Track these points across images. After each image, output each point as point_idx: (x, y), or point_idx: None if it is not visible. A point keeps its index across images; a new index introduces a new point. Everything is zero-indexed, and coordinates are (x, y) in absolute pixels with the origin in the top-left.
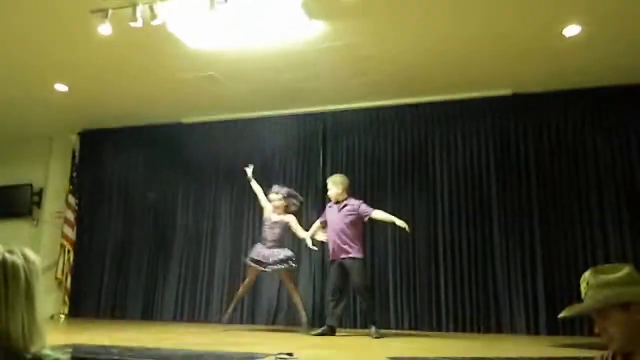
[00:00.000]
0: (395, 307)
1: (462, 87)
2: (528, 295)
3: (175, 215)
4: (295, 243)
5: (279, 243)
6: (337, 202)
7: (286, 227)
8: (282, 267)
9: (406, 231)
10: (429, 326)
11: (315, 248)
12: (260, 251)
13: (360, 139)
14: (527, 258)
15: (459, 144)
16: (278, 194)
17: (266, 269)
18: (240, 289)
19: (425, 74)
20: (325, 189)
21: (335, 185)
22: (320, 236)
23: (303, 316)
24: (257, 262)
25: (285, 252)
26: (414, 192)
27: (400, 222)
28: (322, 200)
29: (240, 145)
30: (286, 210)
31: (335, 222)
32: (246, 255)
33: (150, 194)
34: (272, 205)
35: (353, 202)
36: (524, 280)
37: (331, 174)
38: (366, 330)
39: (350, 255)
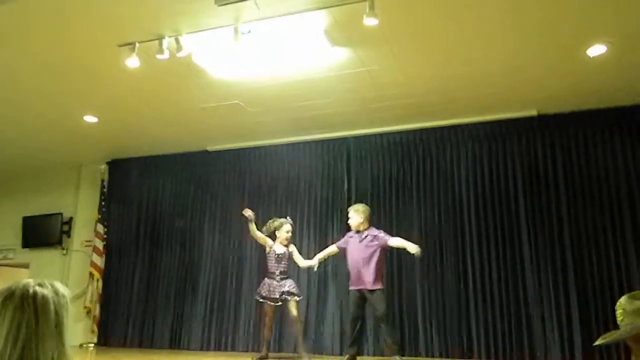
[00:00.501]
0: (425, 334)
1: (487, 110)
2: (562, 320)
3: (202, 243)
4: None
5: (287, 274)
6: (358, 232)
7: (290, 257)
8: (290, 298)
9: (418, 255)
10: (459, 353)
11: (315, 268)
12: (269, 286)
13: (385, 163)
14: (560, 282)
15: (485, 166)
16: (291, 226)
17: (277, 303)
18: (265, 331)
19: (449, 97)
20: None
21: (357, 214)
22: (315, 263)
23: (302, 345)
24: (268, 298)
25: (290, 283)
26: (441, 216)
27: (411, 248)
28: (347, 224)
29: (266, 172)
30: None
31: (356, 252)
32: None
33: (177, 221)
34: (285, 237)
35: (374, 232)
36: (558, 305)
37: (356, 198)
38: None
39: (371, 288)
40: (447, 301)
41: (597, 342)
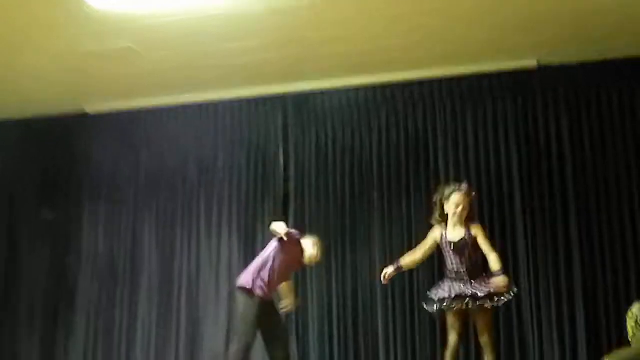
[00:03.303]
0: (386, 350)
1: (471, 59)
2: (564, 334)
3: (80, 242)
4: None
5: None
6: None
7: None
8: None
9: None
10: None
11: None
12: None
13: (336, 129)
14: (563, 283)
15: (469, 133)
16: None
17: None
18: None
19: (421, 42)
20: (287, 199)
21: None
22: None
23: None
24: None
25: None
26: (411, 200)
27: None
28: (283, 214)
29: (169, 143)
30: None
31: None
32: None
33: (44, 212)
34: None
35: None
36: (559, 313)
37: (296, 177)
38: None
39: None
40: (417, 312)
41: None
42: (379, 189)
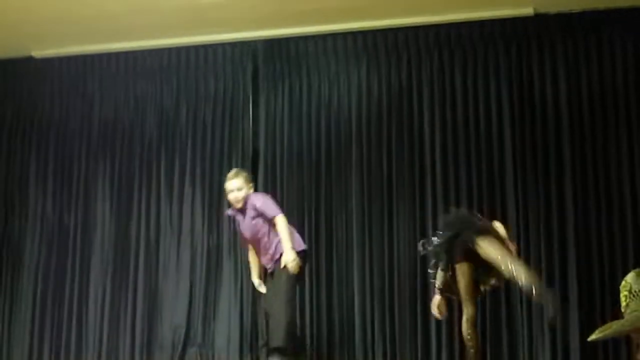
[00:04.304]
0: (363, 338)
1: (461, 5)
2: None
3: (27, 201)
4: None
5: None
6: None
7: None
8: None
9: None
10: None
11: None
12: None
13: (311, 80)
14: (556, 252)
15: (457, 85)
16: None
17: None
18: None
19: None
20: (256, 157)
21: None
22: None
23: None
24: None
25: None
26: (393, 159)
27: (287, 255)
28: (252, 173)
29: (126, 93)
30: None
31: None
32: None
33: None
34: None
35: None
36: (550, 281)
37: (267, 132)
38: None
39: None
40: (397, 292)
41: (592, 337)
42: (357, 146)
